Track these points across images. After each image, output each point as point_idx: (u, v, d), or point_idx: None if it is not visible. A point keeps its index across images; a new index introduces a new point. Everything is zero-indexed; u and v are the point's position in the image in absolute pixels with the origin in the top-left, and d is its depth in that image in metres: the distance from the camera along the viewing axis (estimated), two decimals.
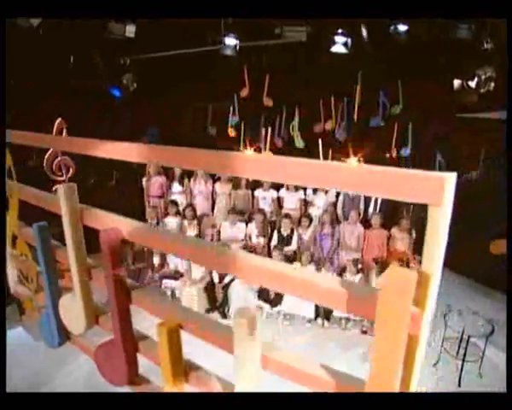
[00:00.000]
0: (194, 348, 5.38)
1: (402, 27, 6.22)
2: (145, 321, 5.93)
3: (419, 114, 6.78)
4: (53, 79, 6.42)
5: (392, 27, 6.29)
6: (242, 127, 8.08)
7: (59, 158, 6.48)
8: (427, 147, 6.88)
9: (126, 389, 4.78)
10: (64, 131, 6.17)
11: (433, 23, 5.93)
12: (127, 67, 7.48)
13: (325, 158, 7.45)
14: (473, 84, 5.55)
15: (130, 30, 6.95)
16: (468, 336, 4.58)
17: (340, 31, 6.69)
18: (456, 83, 5.83)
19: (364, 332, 5.56)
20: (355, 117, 7.22)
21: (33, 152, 6.59)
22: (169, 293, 5.99)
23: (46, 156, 6.26)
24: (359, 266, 5.54)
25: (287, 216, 6.13)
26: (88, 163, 7.27)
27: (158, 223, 6.56)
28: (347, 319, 5.59)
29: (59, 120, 6.05)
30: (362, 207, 6.38)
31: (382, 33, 6.40)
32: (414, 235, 5.95)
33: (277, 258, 5.74)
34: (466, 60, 5.74)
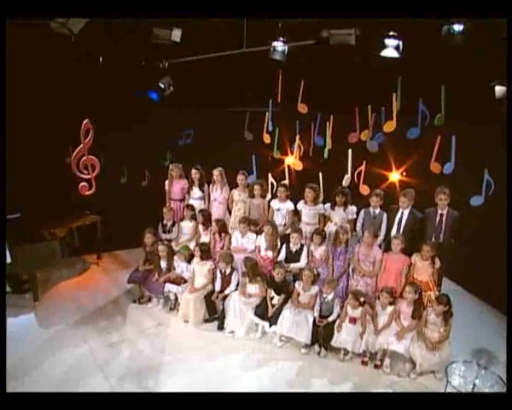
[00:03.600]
0: (193, 352, 5.23)
1: (457, 27, 5.52)
2: (144, 323, 6.02)
3: (464, 125, 5.91)
4: (89, 82, 6.74)
5: (445, 27, 5.62)
6: (277, 134, 7.79)
7: (85, 157, 6.81)
8: (474, 163, 5.96)
9: (126, 389, 4.82)
10: (91, 131, 6.43)
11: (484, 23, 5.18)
12: (165, 71, 7.63)
13: (354, 170, 6.90)
14: None
15: (176, 34, 7.08)
16: None
17: (391, 33, 6.15)
18: (499, 90, 4.93)
19: (365, 363, 4.98)
20: (391, 127, 6.51)
21: (69, 150, 7.00)
22: (172, 297, 5.97)
23: (73, 155, 6.63)
24: (361, 299, 4.96)
25: (296, 230, 5.73)
26: (120, 162, 7.62)
27: (173, 224, 6.60)
28: (346, 351, 5.04)
29: (86, 120, 6.33)
30: (384, 227, 5.73)
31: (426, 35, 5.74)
32: (438, 264, 5.18)
33: (280, 275, 5.42)
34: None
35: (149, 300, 6.11)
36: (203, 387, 4.54)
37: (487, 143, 5.74)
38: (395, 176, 6.85)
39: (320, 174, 7.26)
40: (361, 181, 6.99)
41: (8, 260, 5.71)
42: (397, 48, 6.11)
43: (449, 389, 4.05)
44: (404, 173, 6.77)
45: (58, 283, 6.46)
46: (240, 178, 6.46)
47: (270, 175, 7.79)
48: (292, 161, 7.58)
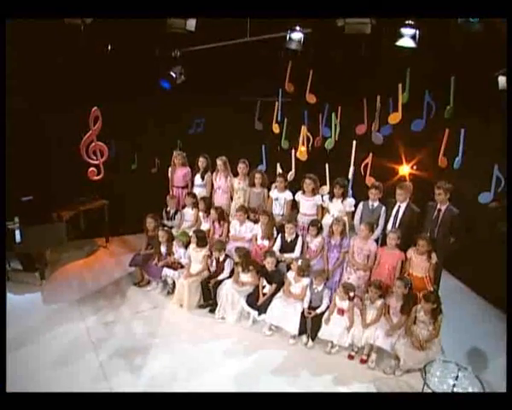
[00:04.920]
0: (183, 336, 5.27)
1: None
2: (141, 305, 6.17)
3: (474, 119, 5.65)
4: (101, 70, 6.92)
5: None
6: (285, 124, 7.74)
7: (94, 143, 7.07)
8: (484, 158, 5.70)
9: (115, 366, 4.86)
10: (99, 118, 6.64)
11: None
12: (177, 60, 7.71)
13: (360, 162, 6.76)
14: None
15: (191, 24, 7.15)
16: None
17: (408, 22, 5.98)
18: (502, 81, 4.68)
19: (351, 357, 4.93)
20: (396, 119, 6.33)
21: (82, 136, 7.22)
22: (170, 282, 6.11)
23: (82, 141, 6.89)
24: (351, 293, 4.89)
25: (290, 221, 5.71)
26: (131, 149, 7.80)
27: (176, 212, 6.73)
28: (333, 344, 5.00)
29: (94, 108, 6.55)
30: (382, 221, 5.60)
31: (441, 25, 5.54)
32: (434, 259, 5.02)
33: (271, 264, 5.44)
34: None
35: (148, 283, 6.30)
36: (188, 369, 4.65)
37: (498, 139, 5.48)
38: (402, 169, 6.67)
39: (326, 165, 7.17)
40: (367, 174, 6.85)
41: (19, 239, 6.06)
42: (413, 37, 5.93)
43: (426, 390, 3.95)
44: (412, 166, 6.58)
45: (67, 263, 6.77)
46: (241, 166, 6.49)
47: (278, 165, 7.76)
48: (298, 151, 7.51)
